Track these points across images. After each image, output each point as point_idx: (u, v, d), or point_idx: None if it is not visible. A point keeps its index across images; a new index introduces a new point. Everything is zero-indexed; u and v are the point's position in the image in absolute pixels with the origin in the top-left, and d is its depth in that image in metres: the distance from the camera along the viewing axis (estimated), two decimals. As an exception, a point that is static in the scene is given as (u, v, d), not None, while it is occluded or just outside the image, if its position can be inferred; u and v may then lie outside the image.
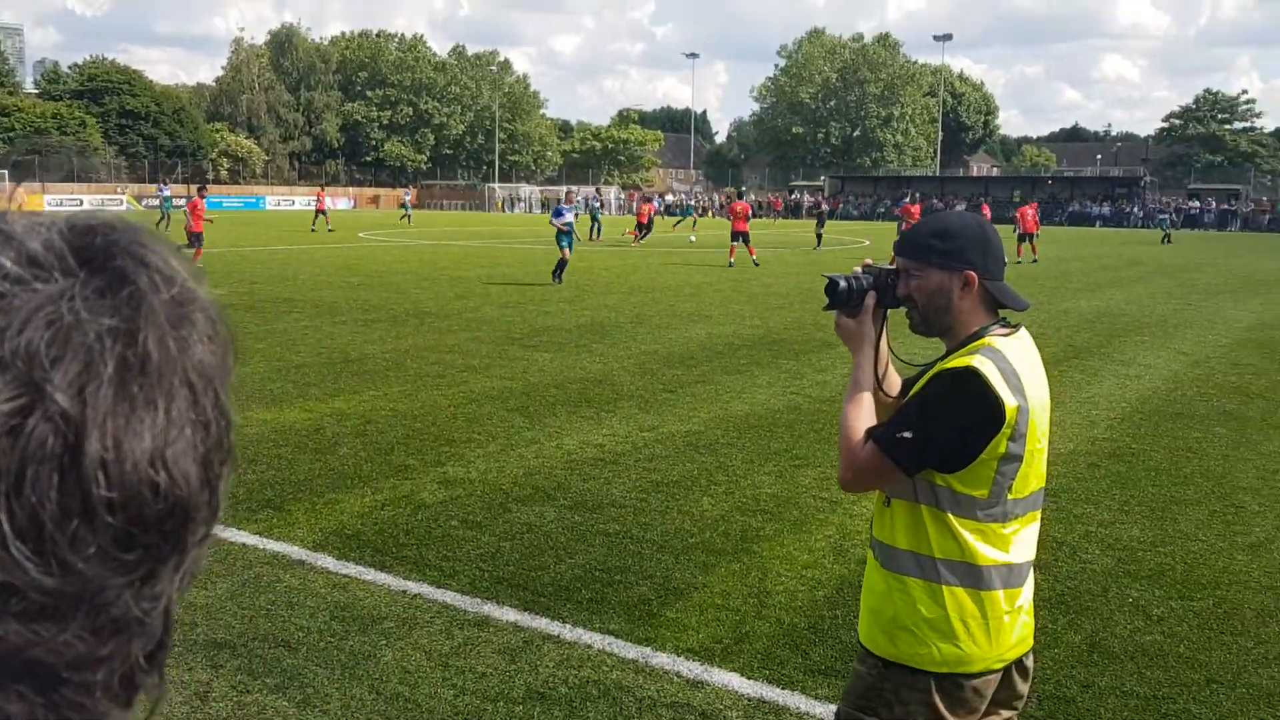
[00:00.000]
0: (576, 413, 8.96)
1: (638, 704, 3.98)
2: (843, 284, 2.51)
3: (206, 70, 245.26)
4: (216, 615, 4.70)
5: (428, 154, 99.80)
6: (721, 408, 9.30)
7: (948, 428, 2.33)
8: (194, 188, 29.89)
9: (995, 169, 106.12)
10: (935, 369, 2.42)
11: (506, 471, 7.11)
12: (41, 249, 0.48)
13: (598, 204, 43.14)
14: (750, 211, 27.95)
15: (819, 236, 36.14)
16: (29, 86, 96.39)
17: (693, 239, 39.18)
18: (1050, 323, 15.66)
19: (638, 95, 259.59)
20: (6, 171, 71.89)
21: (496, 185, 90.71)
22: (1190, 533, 6.11)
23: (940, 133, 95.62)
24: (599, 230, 39.53)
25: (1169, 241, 42.79)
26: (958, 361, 2.36)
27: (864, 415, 2.44)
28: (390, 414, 8.78)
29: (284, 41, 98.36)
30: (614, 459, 7.50)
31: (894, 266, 2.50)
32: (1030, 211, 30.54)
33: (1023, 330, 2.48)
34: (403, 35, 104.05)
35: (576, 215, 19.45)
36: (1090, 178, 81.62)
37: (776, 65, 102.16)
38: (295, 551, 5.54)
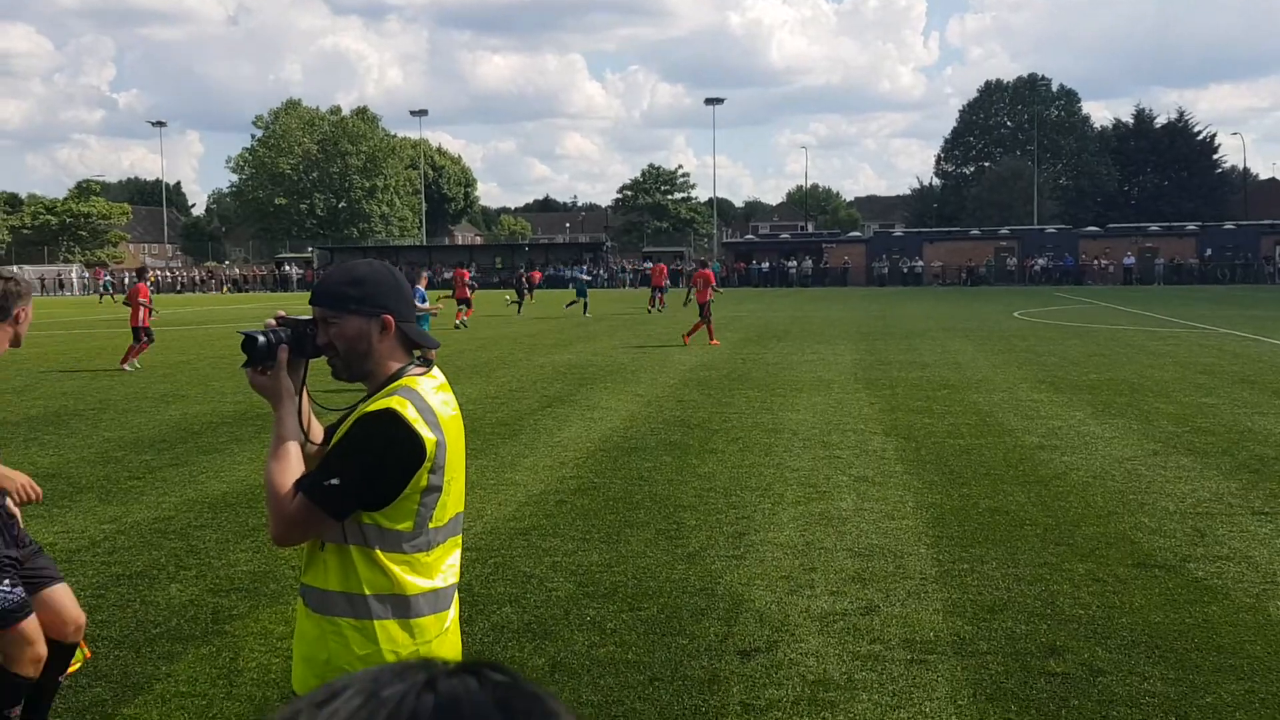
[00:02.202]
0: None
1: (85, 812, 3.66)
2: (260, 339, 2.47)
3: None
4: None
5: None
6: (196, 489, 8.81)
7: (373, 469, 2.39)
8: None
9: (478, 238, 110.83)
10: (357, 412, 2.48)
11: (-72, 587, 6.18)
12: None
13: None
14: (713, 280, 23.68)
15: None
16: None
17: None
18: (528, 376, 16.66)
19: (100, 165, 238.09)
20: None
21: (-77, 267, 78.34)
22: (640, 551, 6.80)
23: (424, 204, 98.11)
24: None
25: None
26: (378, 404, 2.44)
27: (291, 469, 2.45)
28: None
29: None
30: (67, 557, 6.80)
31: (309, 317, 2.54)
32: (664, 269, 39.43)
33: (436, 369, 2.61)
34: None
35: None
36: (562, 244, 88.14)
37: (254, 136, 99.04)
38: None
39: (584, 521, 7.56)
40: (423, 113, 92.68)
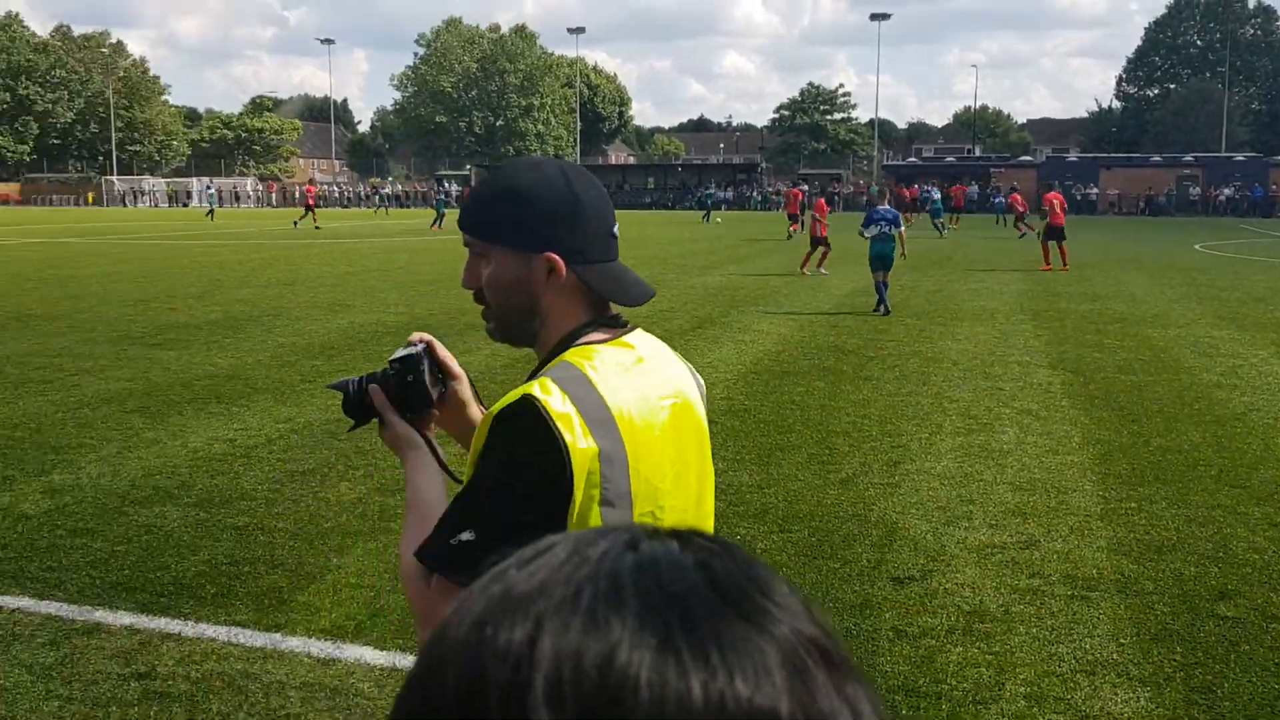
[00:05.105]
0: (205, 410, 8.51)
1: (264, 689, 3.90)
2: (352, 389, 1.76)
3: None
4: None
5: (31, 145, 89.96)
6: (362, 395, 9.16)
7: (512, 504, 1.53)
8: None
9: (631, 157, 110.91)
10: (488, 413, 1.58)
11: (123, 474, 6.65)
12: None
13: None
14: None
15: None
16: None
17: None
18: (678, 298, 16.68)
19: (273, 82, 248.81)
20: None
21: (115, 178, 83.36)
22: (791, 474, 6.77)
23: (579, 122, 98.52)
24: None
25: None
26: (514, 394, 1.55)
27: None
28: (-15, 425, 7.93)
29: None
30: (245, 453, 7.21)
31: (420, 346, 1.79)
32: (1020, 198, 36.97)
33: (638, 334, 1.70)
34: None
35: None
36: (715, 165, 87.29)
37: (416, 54, 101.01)
38: None
39: (734, 442, 7.56)
40: (580, 30, 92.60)
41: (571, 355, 1.60)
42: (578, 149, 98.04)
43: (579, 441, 1.50)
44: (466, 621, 0.50)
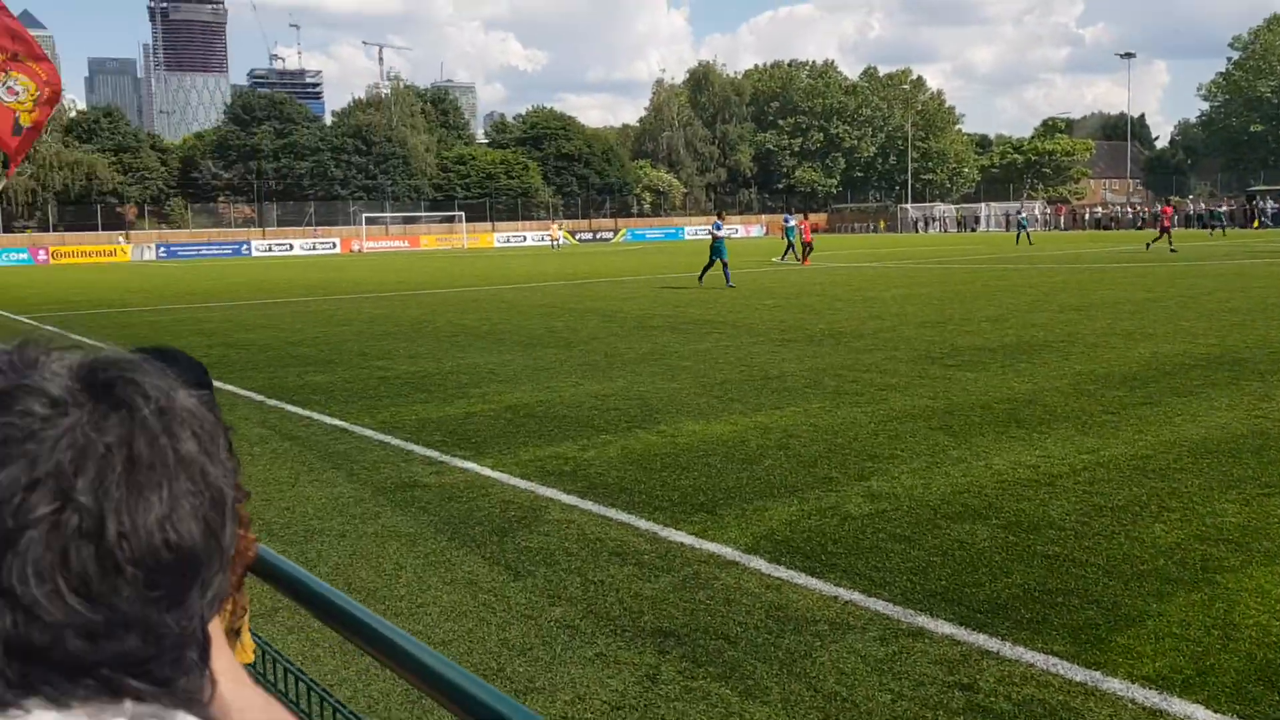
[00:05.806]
0: (1005, 433, 8.60)
1: (1089, 729, 3.75)
2: None
3: (630, 111, 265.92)
4: (661, 606, 5.02)
5: (838, 178, 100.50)
6: (1172, 431, 8.53)
7: None
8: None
9: None
10: None
11: (933, 488, 6.98)
12: (59, 392, 0.66)
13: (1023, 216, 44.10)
14: None
15: None
16: (480, 137, 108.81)
17: None
18: None
19: (1063, 103, 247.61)
20: (464, 213, 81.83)
21: (909, 205, 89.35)
22: None
23: None
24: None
25: None
26: None
27: None
28: (810, 429, 8.92)
29: (701, 79, 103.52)
30: (1049, 481, 7.11)
31: None
32: None
33: None
34: (813, 62, 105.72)
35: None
36: None
37: (1229, 59, 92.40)
38: (729, 553, 5.79)
39: None
40: None
41: None
42: None
43: None
44: None
